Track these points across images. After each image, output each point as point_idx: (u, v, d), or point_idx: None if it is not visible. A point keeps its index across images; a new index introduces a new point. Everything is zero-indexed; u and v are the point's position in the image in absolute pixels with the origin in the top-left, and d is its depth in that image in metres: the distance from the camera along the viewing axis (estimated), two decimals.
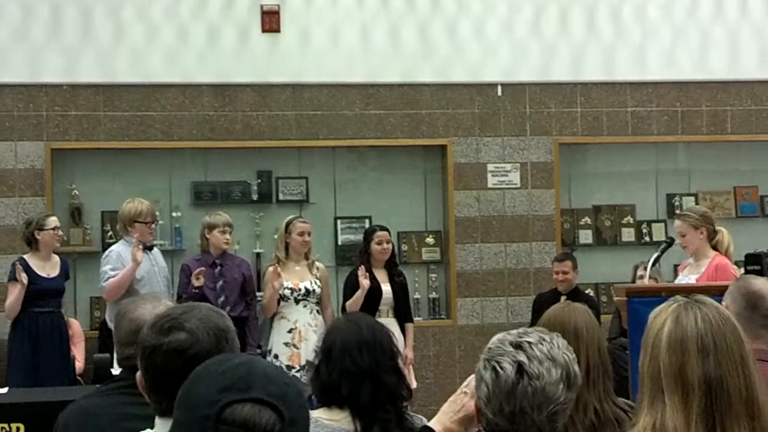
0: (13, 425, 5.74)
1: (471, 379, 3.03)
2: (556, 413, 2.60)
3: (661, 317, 2.64)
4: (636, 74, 10.28)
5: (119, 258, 7.98)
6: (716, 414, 2.51)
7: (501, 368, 2.61)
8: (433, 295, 10.12)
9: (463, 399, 3.17)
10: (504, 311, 9.97)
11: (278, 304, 8.11)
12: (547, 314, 3.63)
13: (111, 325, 6.51)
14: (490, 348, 2.69)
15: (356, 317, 4.09)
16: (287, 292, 8.09)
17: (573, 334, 3.45)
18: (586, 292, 9.65)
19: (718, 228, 7.23)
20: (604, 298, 10.18)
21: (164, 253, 8.79)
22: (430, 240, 10.18)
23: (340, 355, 3.66)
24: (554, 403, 2.59)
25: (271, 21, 9.78)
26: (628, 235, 10.50)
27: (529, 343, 2.64)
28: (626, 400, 3.56)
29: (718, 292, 4.00)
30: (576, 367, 2.67)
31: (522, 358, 2.61)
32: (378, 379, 3.61)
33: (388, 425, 3.57)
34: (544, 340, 2.66)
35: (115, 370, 3.45)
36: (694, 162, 10.67)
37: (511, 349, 2.64)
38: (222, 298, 8.15)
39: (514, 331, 2.71)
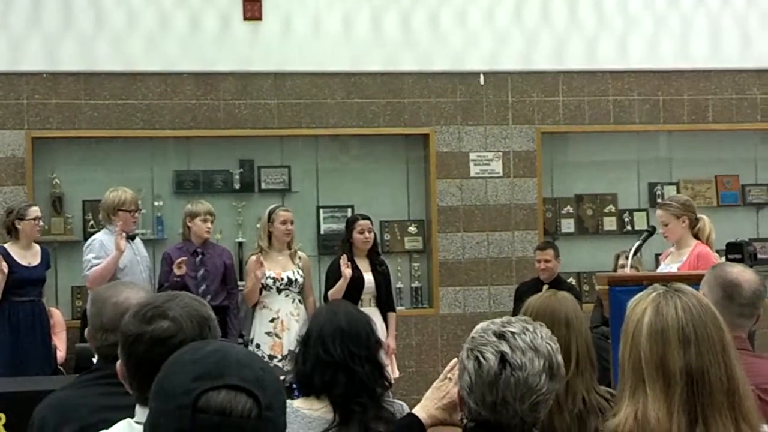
0: None
1: (454, 365, 3.03)
2: (539, 403, 2.61)
3: (641, 307, 2.64)
4: (618, 63, 10.29)
5: (102, 247, 7.97)
6: (698, 404, 2.52)
7: (484, 358, 2.61)
8: (416, 284, 10.12)
9: (447, 386, 3.17)
10: (486, 300, 9.99)
11: (260, 293, 8.09)
12: (534, 303, 3.58)
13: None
14: (473, 337, 2.68)
15: (336, 305, 4.07)
16: (269, 281, 8.07)
17: (564, 323, 3.45)
18: (568, 281, 9.67)
19: (699, 216, 7.25)
20: (585, 287, 10.21)
21: (146, 242, 8.78)
22: (412, 229, 10.18)
23: (314, 344, 3.66)
24: (536, 394, 2.59)
25: (252, 9, 9.76)
26: (610, 224, 10.53)
27: (512, 333, 2.64)
28: (608, 389, 3.57)
29: (699, 281, 3.99)
30: (559, 357, 2.67)
31: (505, 348, 2.61)
32: (351, 369, 3.60)
33: (366, 415, 3.57)
34: (527, 330, 2.66)
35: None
36: (676, 151, 10.70)
37: (494, 338, 2.63)
38: (203, 287, 8.14)
39: (498, 321, 2.71)
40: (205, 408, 1.75)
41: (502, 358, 2.60)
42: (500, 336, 2.63)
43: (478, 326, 2.71)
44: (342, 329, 3.66)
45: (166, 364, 1.87)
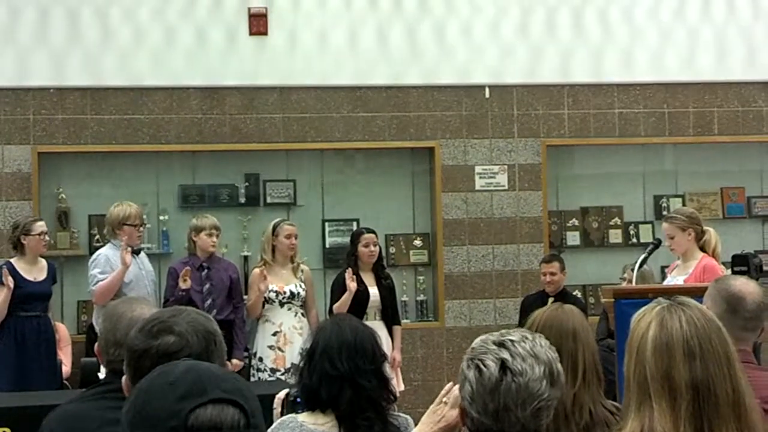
0: (0, 429, 5.73)
1: (450, 389, 3.04)
2: (540, 410, 2.61)
3: (645, 320, 2.64)
4: (623, 76, 10.28)
5: (108, 261, 7.99)
6: (704, 417, 2.51)
7: (484, 366, 2.62)
8: (421, 297, 10.11)
9: (443, 409, 3.16)
10: (492, 313, 9.97)
11: (263, 306, 8.10)
12: (541, 316, 3.58)
13: (98, 328, 6.49)
14: (473, 348, 2.70)
15: (341, 319, 4.06)
16: (272, 295, 8.09)
17: (572, 336, 3.46)
18: (574, 293, 9.65)
19: (705, 228, 7.24)
20: (591, 300, 10.19)
21: (151, 256, 8.78)
22: (417, 242, 10.17)
23: (320, 358, 3.65)
24: (538, 400, 2.60)
25: (258, 24, 9.78)
26: (615, 236, 10.51)
27: (512, 341, 2.66)
28: (613, 402, 3.57)
29: (704, 293, 3.98)
30: (559, 365, 2.68)
31: (505, 355, 2.62)
32: (357, 383, 3.59)
33: (372, 429, 3.56)
34: (526, 338, 2.68)
35: (102, 374, 3.41)
36: (681, 163, 10.68)
37: (494, 347, 2.65)
38: (209, 301, 8.14)
39: (497, 332, 2.73)
40: (196, 426, 1.76)
41: (503, 365, 2.61)
42: (500, 344, 2.65)
43: (478, 338, 2.73)
44: (348, 343, 3.66)
45: (140, 392, 1.87)
